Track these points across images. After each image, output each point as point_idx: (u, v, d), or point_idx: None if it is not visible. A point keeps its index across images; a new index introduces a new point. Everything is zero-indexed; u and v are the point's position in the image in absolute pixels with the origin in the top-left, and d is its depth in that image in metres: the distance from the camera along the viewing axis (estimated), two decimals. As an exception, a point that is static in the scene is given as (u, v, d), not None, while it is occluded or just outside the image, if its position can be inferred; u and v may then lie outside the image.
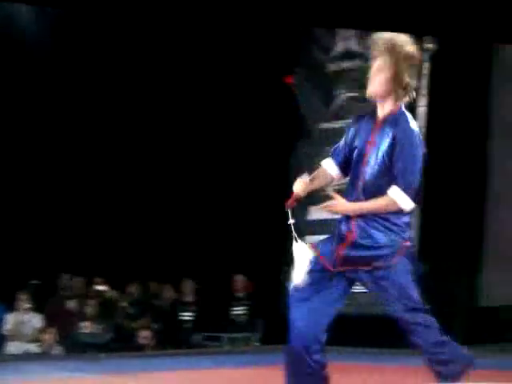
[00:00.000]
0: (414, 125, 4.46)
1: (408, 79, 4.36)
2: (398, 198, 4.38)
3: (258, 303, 11.35)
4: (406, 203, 4.39)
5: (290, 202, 4.80)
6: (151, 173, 12.19)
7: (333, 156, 4.73)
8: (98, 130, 11.82)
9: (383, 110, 4.46)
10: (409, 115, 4.47)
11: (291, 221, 4.72)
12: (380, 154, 4.41)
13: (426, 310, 4.41)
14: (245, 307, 11.22)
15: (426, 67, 10.03)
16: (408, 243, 4.45)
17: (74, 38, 11.33)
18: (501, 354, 9.43)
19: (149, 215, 12.15)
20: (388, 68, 4.37)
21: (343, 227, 4.53)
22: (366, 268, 4.42)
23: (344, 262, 4.47)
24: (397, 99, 4.42)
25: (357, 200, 4.48)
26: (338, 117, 11.35)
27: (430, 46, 10.04)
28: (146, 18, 10.84)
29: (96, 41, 11.42)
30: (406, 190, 4.39)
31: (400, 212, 4.40)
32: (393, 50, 4.39)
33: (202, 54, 11.80)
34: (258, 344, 11.00)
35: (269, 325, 11.17)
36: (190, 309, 11.28)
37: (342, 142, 4.68)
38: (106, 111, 11.86)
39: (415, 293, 4.40)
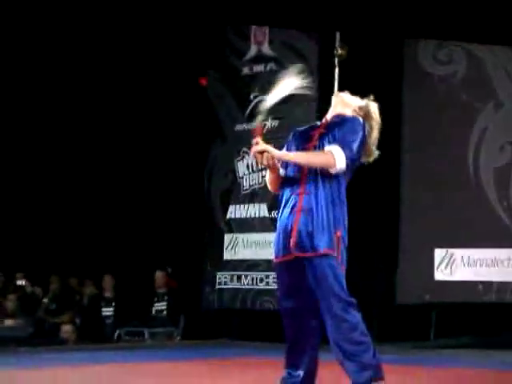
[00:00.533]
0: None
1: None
2: (335, 152, 4.68)
3: (179, 299, 11.39)
4: (340, 160, 4.68)
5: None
6: (72, 169, 12.23)
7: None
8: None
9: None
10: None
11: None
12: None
13: (356, 305, 4.70)
14: (166, 303, 11.24)
15: (336, 72, 10.33)
16: (340, 233, 4.71)
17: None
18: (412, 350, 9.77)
19: (70, 211, 12.18)
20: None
21: (288, 221, 4.73)
22: (307, 255, 4.62)
23: (289, 251, 4.68)
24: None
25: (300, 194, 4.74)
26: (252, 119, 11.44)
27: (340, 51, 10.34)
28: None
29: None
30: (343, 149, 4.72)
31: (330, 175, 4.70)
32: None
33: (117, 56, 11.83)
34: (179, 339, 11.06)
35: (190, 320, 11.28)
36: (111, 304, 11.30)
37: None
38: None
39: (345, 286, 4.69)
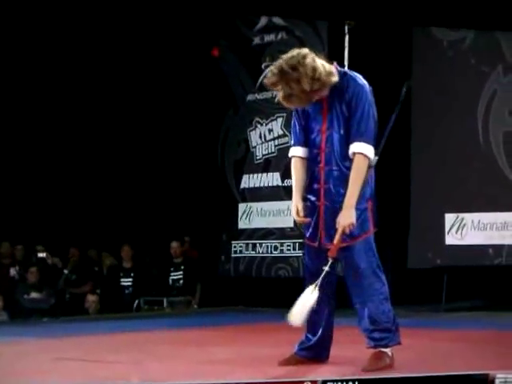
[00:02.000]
0: (360, 78, 4.83)
1: (312, 72, 4.59)
2: (363, 150, 4.68)
3: (195, 268, 11.52)
4: (370, 151, 4.71)
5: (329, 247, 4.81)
6: (90, 142, 12.28)
7: (297, 143, 4.97)
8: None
9: (323, 94, 4.78)
10: (351, 73, 4.85)
11: (326, 268, 4.75)
12: (336, 123, 4.75)
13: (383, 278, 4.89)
14: (182, 272, 11.35)
15: (346, 40, 10.24)
16: (370, 202, 4.85)
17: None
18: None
19: (88, 182, 12.24)
20: (293, 92, 4.63)
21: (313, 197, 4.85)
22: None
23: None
24: (322, 85, 4.68)
25: (321, 168, 4.78)
26: (263, 88, 11.56)
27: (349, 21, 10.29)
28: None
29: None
30: (365, 139, 4.70)
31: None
32: (282, 75, 4.61)
33: (126, 29, 11.81)
34: (196, 307, 11.17)
35: (206, 288, 11.42)
36: (130, 274, 11.39)
37: (296, 127, 4.96)
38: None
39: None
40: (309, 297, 4.77)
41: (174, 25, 11.80)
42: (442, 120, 10.61)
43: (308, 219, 4.90)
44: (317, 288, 4.78)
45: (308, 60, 4.65)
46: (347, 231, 4.73)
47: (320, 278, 4.80)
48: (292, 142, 5.03)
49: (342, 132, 4.77)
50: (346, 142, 4.79)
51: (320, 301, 4.85)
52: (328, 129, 4.81)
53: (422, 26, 10.71)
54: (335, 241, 4.78)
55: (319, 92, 4.73)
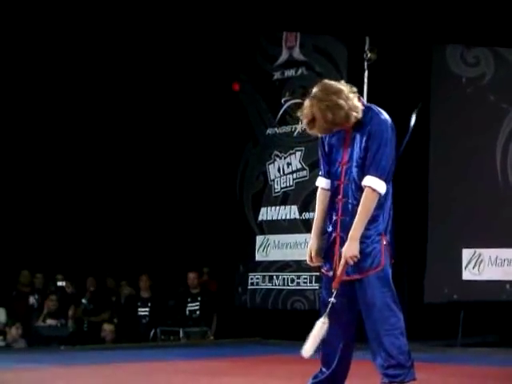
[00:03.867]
0: (383, 114, 4.74)
1: (342, 105, 4.60)
2: (372, 184, 4.60)
3: (211, 299, 11.47)
4: (380, 186, 4.61)
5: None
6: (109, 172, 12.32)
7: (322, 174, 4.94)
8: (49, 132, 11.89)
9: (346, 126, 4.73)
10: (375, 108, 4.76)
11: (332, 299, 4.70)
12: (355, 156, 4.70)
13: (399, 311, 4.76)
14: (199, 303, 11.29)
15: (366, 75, 10.30)
16: (386, 237, 4.72)
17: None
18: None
19: (108, 213, 12.26)
20: (316, 114, 4.65)
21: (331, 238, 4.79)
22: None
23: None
24: (347, 118, 4.66)
25: (339, 200, 4.73)
26: (283, 122, 11.63)
27: (370, 54, 10.30)
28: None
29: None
30: (377, 174, 4.61)
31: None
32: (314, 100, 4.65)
33: (150, 62, 11.91)
34: (212, 338, 11.12)
35: (222, 320, 11.36)
36: (147, 304, 11.36)
37: (320, 158, 4.93)
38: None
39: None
40: (319, 328, 4.69)
41: (196, 59, 11.90)
42: (460, 156, 10.56)
43: (318, 263, 4.88)
44: (326, 319, 4.70)
45: (338, 95, 4.68)
46: (350, 262, 4.65)
47: (327, 309, 4.74)
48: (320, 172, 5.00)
49: (361, 165, 4.74)
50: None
51: (333, 333, 4.79)
52: (348, 161, 4.78)
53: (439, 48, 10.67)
54: (338, 272, 4.73)
55: (340, 125, 4.73)
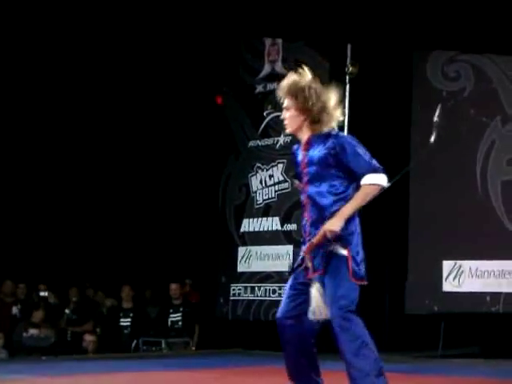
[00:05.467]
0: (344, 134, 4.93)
1: (315, 108, 4.73)
2: (374, 180, 4.60)
3: (193, 310, 11.36)
4: (383, 179, 4.63)
5: None
6: (91, 182, 12.26)
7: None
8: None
9: (304, 136, 4.82)
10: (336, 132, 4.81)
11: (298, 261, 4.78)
12: (313, 167, 4.72)
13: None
14: (181, 314, 11.20)
15: (347, 89, 10.26)
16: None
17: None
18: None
19: (88, 223, 12.21)
20: (292, 107, 4.80)
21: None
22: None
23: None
24: (314, 126, 4.76)
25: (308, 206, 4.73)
26: (265, 135, 11.61)
27: (351, 68, 10.30)
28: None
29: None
30: (372, 170, 4.63)
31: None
32: (292, 91, 4.83)
33: (134, 74, 11.87)
34: (194, 348, 11.02)
35: (204, 330, 11.25)
36: (129, 315, 11.24)
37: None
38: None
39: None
40: (316, 292, 4.64)
41: (180, 73, 11.87)
42: (441, 168, 10.56)
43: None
44: (315, 284, 4.65)
45: (326, 92, 4.86)
46: (327, 235, 4.58)
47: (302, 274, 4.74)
48: None
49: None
50: None
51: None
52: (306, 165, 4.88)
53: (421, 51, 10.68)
54: (314, 239, 4.66)
55: (313, 125, 4.77)
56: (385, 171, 4.69)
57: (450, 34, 9.70)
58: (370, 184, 4.62)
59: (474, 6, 8.94)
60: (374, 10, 9.31)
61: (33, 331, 10.47)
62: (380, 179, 4.64)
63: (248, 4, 9.50)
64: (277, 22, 10.05)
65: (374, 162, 4.69)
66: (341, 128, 8.68)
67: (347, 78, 10.46)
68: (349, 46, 10.40)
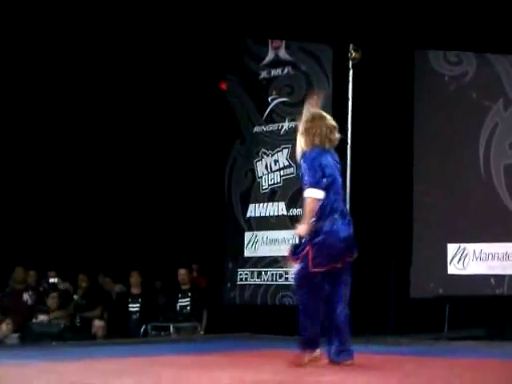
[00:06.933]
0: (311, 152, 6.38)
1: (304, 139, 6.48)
2: (311, 194, 6.25)
3: (202, 295, 11.38)
4: (318, 193, 6.25)
5: None
6: (100, 169, 12.29)
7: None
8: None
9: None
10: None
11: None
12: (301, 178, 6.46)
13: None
14: (189, 299, 11.21)
15: (350, 74, 10.40)
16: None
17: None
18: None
19: (97, 210, 12.25)
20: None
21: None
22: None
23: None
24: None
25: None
26: (269, 121, 11.59)
27: (354, 54, 10.34)
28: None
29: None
30: (312, 186, 6.26)
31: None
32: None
33: (136, 61, 11.83)
34: (202, 333, 11.03)
35: (212, 315, 11.26)
36: (138, 300, 11.26)
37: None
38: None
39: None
40: None
41: (184, 59, 11.81)
42: (444, 152, 10.55)
43: None
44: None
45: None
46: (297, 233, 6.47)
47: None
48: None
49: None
50: None
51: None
52: None
53: (423, 49, 10.71)
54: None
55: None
56: (320, 180, 6.30)
57: (451, 33, 9.70)
58: (311, 199, 6.27)
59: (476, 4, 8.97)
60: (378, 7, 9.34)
61: (43, 317, 10.50)
62: (316, 193, 6.24)
63: (249, 4, 9.55)
64: (280, 22, 10.05)
65: (313, 179, 6.30)
66: (344, 113, 9.13)
67: (350, 63, 10.49)
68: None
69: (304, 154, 6.42)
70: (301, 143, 6.51)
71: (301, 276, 6.31)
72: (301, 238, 6.41)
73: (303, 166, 6.35)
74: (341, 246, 6.27)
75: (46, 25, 10.38)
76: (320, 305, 6.29)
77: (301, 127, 6.49)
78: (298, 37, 11.04)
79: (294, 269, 6.40)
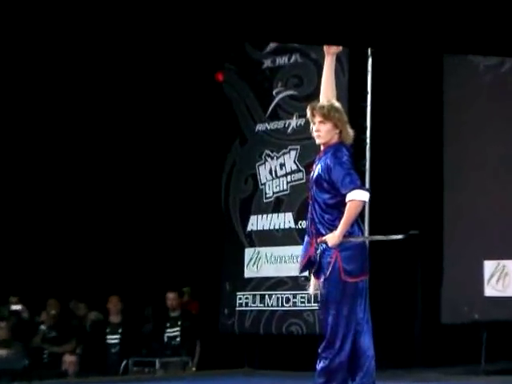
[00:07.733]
0: (342, 147, 6.11)
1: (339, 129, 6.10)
2: (356, 196, 5.91)
3: (194, 323, 11.27)
4: (364, 195, 5.97)
5: None
6: (75, 188, 12.24)
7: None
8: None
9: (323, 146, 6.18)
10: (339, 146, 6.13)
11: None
12: (315, 175, 6.09)
13: None
14: (179, 328, 11.14)
15: (369, 64, 10.36)
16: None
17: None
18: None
19: (69, 225, 12.19)
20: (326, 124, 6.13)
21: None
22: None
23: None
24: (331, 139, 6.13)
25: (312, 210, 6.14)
26: (274, 117, 11.43)
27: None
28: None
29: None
30: (353, 187, 5.91)
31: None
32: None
33: (131, 53, 11.62)
34: (194, 369, 10.93)
35: (206, 347, 11.13)
36: (118, 331, 11.14)
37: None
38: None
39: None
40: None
41: (174, 46, 11.74)
42: (477, 155, 10.45)
43: None
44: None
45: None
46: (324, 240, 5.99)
47: None
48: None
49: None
50: None
51: None
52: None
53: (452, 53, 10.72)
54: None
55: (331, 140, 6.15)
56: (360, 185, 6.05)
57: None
58: (357, 201, 5.96)
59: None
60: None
61: (0, 352, 10.29)
62: (363, 195, 5.98)
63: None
64: (293, 25, 9.97)
65: (350, 175, 5.96)
66: (363, 108, 9.07)
67: (369, 50, 10.43)
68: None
69: (340, 146, 6.08)
70: (334, 129, 6.09)
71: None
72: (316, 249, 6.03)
73: (335, 160, 6.01)
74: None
75: (45, 24, 10.44)
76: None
77: (332, 112, 6.09)
78: (311, 41, 11.03)
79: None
